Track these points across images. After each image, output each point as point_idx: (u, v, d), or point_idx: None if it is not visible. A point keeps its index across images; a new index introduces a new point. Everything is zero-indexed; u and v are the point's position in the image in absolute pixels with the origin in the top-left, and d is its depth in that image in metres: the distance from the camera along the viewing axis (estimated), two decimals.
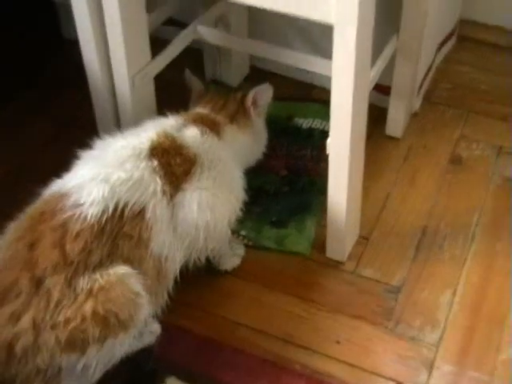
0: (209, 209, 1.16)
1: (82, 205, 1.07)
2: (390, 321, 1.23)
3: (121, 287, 1.07)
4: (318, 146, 1.50)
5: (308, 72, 1.64)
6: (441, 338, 1.20)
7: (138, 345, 1.19)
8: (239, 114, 1.31)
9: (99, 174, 1.10)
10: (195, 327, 1.24)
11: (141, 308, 1.09)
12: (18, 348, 1.05)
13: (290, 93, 1.65)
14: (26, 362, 1.06)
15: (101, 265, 1.07)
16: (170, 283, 1.18)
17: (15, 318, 1.06)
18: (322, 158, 1.45)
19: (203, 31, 1.44)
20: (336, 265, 1.32)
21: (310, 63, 1.41)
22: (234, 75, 1.68)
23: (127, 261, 1.09)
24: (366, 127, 1.23)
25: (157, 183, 1.11)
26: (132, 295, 1.07)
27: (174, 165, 1.14)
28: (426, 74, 1.61)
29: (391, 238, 1.36)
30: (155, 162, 1.12)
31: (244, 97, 1.33)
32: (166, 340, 1.21)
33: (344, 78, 1.09)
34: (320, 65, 1.38)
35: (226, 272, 1.31)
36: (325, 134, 1.34)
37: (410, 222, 1.39)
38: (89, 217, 1.06)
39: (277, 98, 1.53)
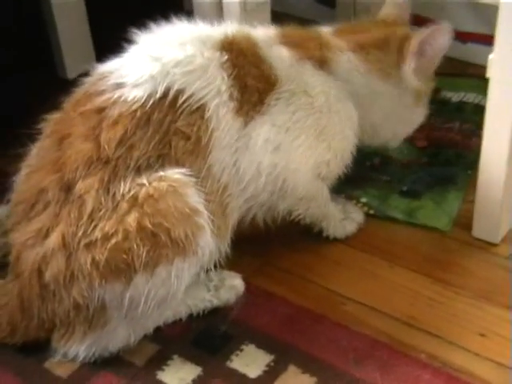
0: (275, 150, 0.92)
1: (123, 85, 0.87)
2: None
3: (173, 197, 0.84)
4: (471, 119, 1.28)
5: (464, 44, 1.42)
6: None
7: (213, 301, 0.97)
8: (380, 50, 0.99)
9: (150, 52, 0.90)
10: (289, 295, 1.01)
11: (201, 230, 0.86)
12: (49, 275, 0.86)
13: (439, 69, 1.42)
14: (61, 296, 0.87)
15: (148, 166, 0.86)
16: (230, 227, 0.93)
17: (43, 235, 0.87)
18: (474, 133, 1.23)
19: None
20: (485, 246, 1.07)
21: None
22: None
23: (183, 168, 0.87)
24: None
25: (224, 81, 0.89)
26: (188, 210, 0.85)
27: (247, 73, 0.91)
28: None
29: None
30: (225, 57, 0.90)
31: (407, 36, 0.99)
32: (250, 304, 1.00)
33: None
34: None
35: (336, 240, 1.07)
36: (480, 110, 1.15)
37: None
38: (130, 99, 0.86)
39: None
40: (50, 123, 0.94)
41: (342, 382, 0.88)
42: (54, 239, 0.86)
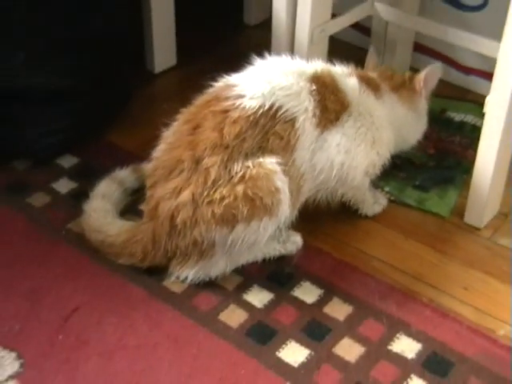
0: (345, 152, 1.28)
1: (243, 96, 1.22)
2: None
3: (266, 180, 1.20)
4: (469, 136, 1.63)
5: (467, 76, 1.78)
6: None
7: (281, 250, 1.32)
8: (403, 88, 1.41)
9: (264, 76, 1.25)
10: (333, 252, 1.36)
11: (280, 202, 1.21)
12: (179, 219, 1.21)
13: (446, 93, 1.78)
14: (185, 235, 1.22)
15: (252, 154, 1.20)
16: (299, 204, 1.29)
17: (177, 192, 1.21)
18: (470, 146, 1.57)
19: (379, 7, 1.63)
20: (473, 230, 1.41)
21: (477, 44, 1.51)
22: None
23: (275, 158, 1.22)
24: None
25: (310, 103, 1.24)
26: (274, 189, 1.20)
27: (328, 99, 1.26)
28: None
29: None
30: (314, 87, 1.26)
31: (412, 76, 1.43)
32: (306, 256, 1.34)
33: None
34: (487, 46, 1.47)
35: (367, 217, 1.43)
36: (476, 129, 1.55)
37: None
38: (247, 107, 1.20)
39: (432, 94, 1.73)
40: (185, 114, 1.27)
41: (369, 311, 1.23)
42: (185, 195, 1.20)
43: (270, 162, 1.21)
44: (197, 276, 1.26)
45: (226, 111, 1.22)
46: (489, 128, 1.33)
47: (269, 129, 1.22)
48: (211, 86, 1.29)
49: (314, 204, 1.35)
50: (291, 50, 1.54)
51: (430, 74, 1.42)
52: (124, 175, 1.41)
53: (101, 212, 1.33)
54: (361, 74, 1.38)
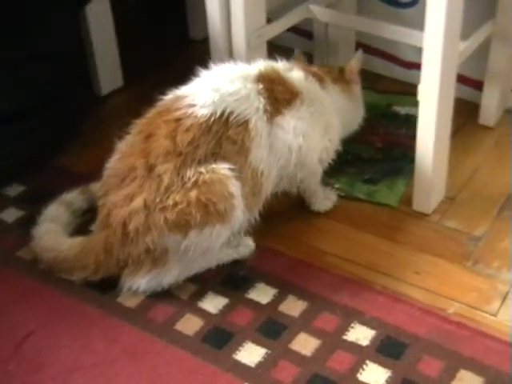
0: (302, 135, 1.32)
1: (194, 105, 1.24)
2: (468, 260, 1.32)
3: (220, 185, 1.22)
4: (414, 127, 1.62)
5: (410, 70, 1.82)
6: None
7: (234, 255, 1.34)
8: (341, 81, 1.47)
9: (212, 85, 1.28)
10: (287, 251, 1.37)
11: (234, 208, 1.23)
12: (131, 227, 1.21)
13: (391, 89, 1.82)
14: (137, 242, 1.22)
15: (205, 160, 1.22)
16: (261, 202, 1.32)
17: (130, 198, 1.22)
18: (415, 137, 1.52)
19: (315, 10, 1.65)
20: (421, 216, 1.43)
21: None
22: None
23: (228, 163, 1.24)
24: (455, 79, 1.37)
25: (260, 102, 1.28)
26: (228, 194, 1.22)
27: (276, 91, 1.31)
28: None
29: (476, 199, 1.46)
30: (260, 86, 1.29)
31: (343, 68, 1.49)
32: (260, 257, 1.35)
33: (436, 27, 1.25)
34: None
35: (319, 213, 1.45)
36: None
37: (495, 190, 1.48)
38: (199, 115, 1.23)
39: (379, 90, 1.81)
40: (137, 125, 1.29)
41: (324, 304, 1.24)
42: (138, 202, 1.21)
43: (223, 168, 1.24)
44: (149, 285, 1.26)
45: (178, 119, 1.24)
46: (424, 115, 1.36)
47: (222, 135, 1.25)
48: (161, 99, 1.31)
49: (272, 200, 1.36)
50: (231, 58, 1.55)
51: (356, 63, 1.50)
52: (71, 197, 1.42)
53: (52, 233, 1.34)
54: (303, 67, 1.42)
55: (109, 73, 1.84)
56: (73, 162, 1.60)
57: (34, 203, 1.43)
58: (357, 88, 1.51)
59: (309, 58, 1.65)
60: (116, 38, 1.83)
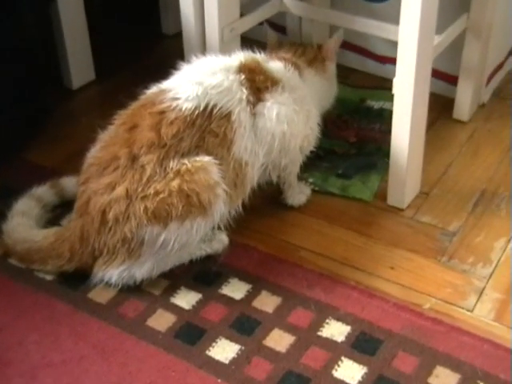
0: (286, 121, 1.31)
1: (178, 99, 1.23)
2: (443, 256, 1.31)
3: (204, 173, 1.21)
4: (388, 122, 1.62)
5: (383, 65, 1.82)
6: (492, 273, 1.26)
7: (207, 249, 1.32)
8: (316, 61, 1.47)
9: (195, 78, 1.27)
10: (260, 246, 1.36)
11: (218, 198, 1.22)
12: (111, 215, 1.20)
13: (365, 83, 1.81)
14: (115, 231, 1.20)
15: (189, 153, 1.22)
16: (246, 193, 1.31)
17: (111, 187, 1.21)
18: (390, 132, 1.52)
19: (289, 3, 1.64)
20: (396, 211, 1.43)
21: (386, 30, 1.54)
22: None
23: (211, 156, 1.23)
24: (430, 72, 1.36)
25: (243, 93, 1.27)
26: (212, 182, 1.21)
27: (258, 81, 1.30)
28: (496, 70, 1.73)
29: (450, 195, 1.46)
30: (242, 76, 1.29)
31: (321, 46, 1.49)
32: (233, 252, 1.34)
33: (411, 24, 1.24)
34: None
35: (292, 207, 1.44)
36: None
37: (469, 185, 1.48)
38: (183, 109, 1.22)
39: (352, 85, 1.80)
40: (122, 116, 1.27)
41: (298, 300, 1.23)
42: (119, 191, 1.19)
43: (207, 159, 1.23)
44: (121, 277, 1.24)
45: (162, 112, 1.23)
46: (399, 108, 1.36)
47: (205, 128, 1.24)
48: (144, 92, 1.29)
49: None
50: (203, 51, 1.53)
51: (336, 41, 1.51)
52: (42, 191, 1.39)
53: (24, 226, 1.31)
54: (280, 57, 1.41)
55: (80, 66, 1.81)
56: (43, 156, 1.56)
57: (3, 198, 1.38)
58: (332, 66, 1.52)
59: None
60: (88, 31, 1.79)
